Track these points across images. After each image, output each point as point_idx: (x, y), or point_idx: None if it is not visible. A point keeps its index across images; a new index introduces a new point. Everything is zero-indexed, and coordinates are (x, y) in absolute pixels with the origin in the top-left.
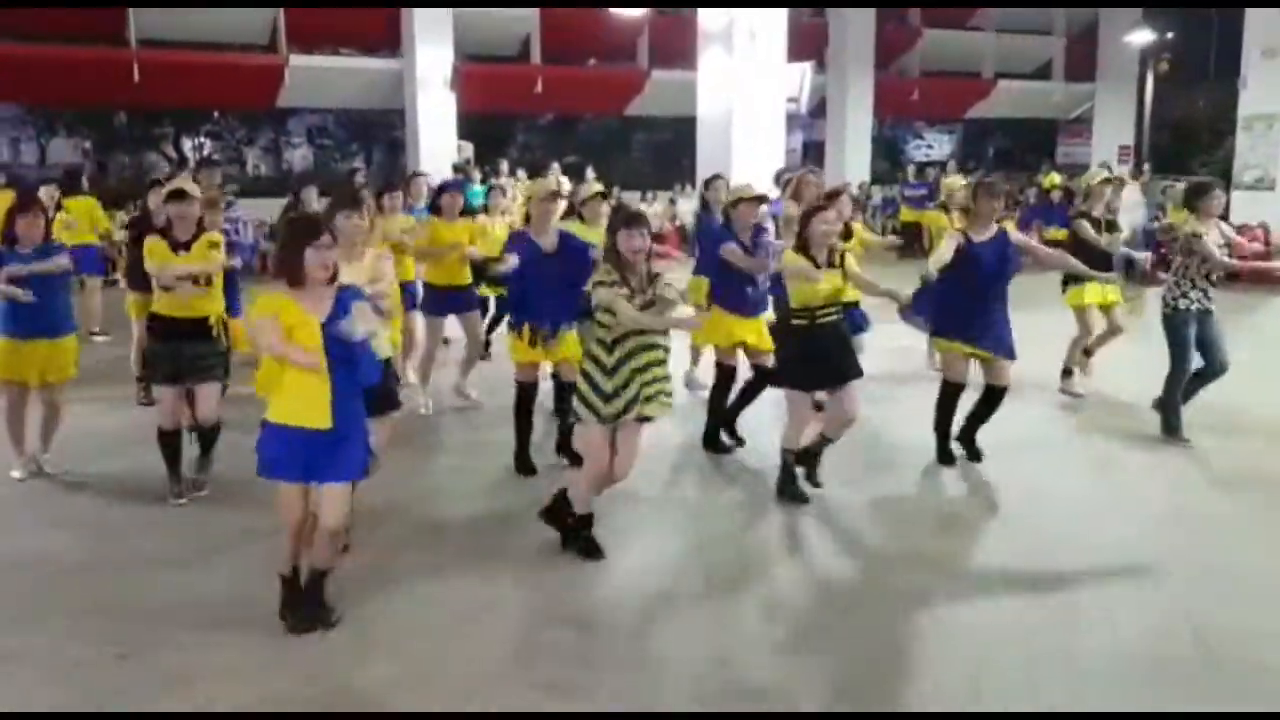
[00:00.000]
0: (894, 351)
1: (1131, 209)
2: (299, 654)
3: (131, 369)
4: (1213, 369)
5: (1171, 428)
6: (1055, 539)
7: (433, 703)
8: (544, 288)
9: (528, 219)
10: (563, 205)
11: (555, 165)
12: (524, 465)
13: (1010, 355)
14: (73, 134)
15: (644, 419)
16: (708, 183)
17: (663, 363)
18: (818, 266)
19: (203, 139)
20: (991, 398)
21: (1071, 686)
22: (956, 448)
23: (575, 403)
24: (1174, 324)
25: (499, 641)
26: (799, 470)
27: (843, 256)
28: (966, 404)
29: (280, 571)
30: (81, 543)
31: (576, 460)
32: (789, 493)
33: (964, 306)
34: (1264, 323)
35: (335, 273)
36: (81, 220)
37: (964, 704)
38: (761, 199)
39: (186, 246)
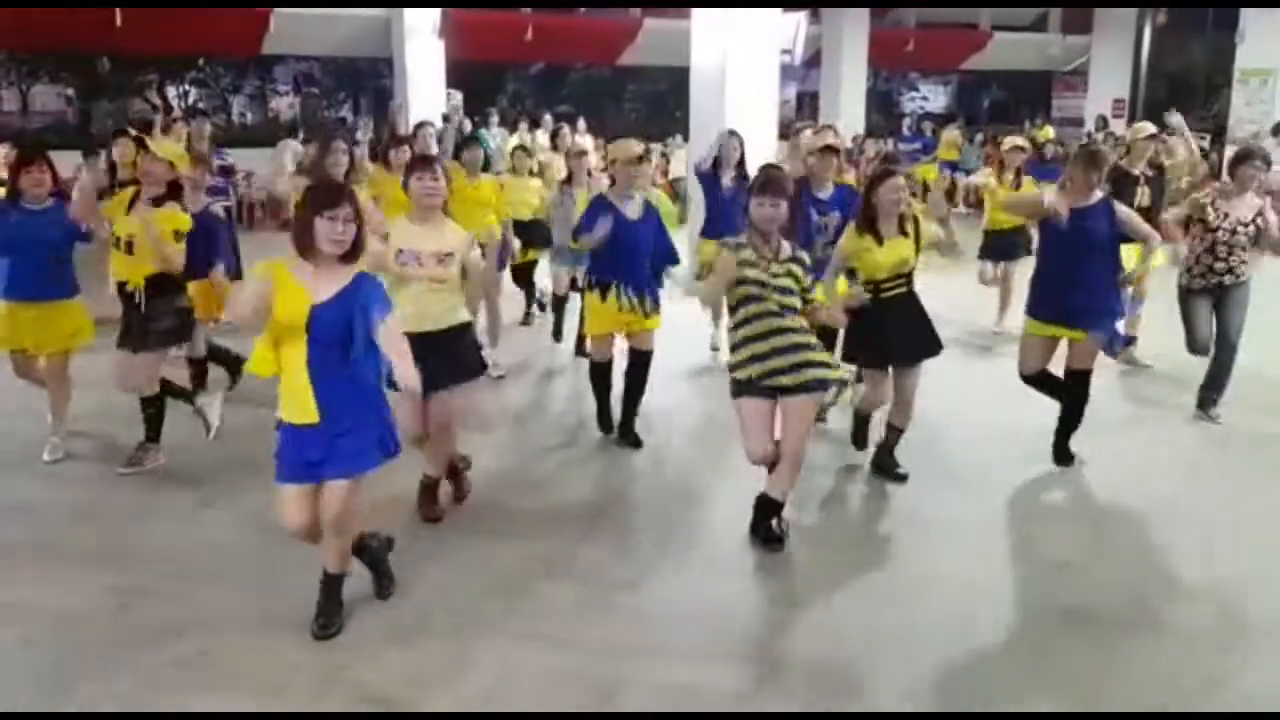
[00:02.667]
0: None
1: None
2: (292, 604)
3: None
4: (1215, 352)
5: (1199, 402)
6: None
7: (418, 651)
8: (628, 256)
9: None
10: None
11: (548, 117)
12: (605, 424)
13: (1103, 333)
14: (55, 81)
15: (791, 391)
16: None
17: (801, 343)
18: (880, 241)
19: (187, 86)
20: (1074, 386)
21: None
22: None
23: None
24: (1180, 299)
25: (489, 595)
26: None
27: (916, 223)
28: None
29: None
30: (77, 493)
31: (636, 442)
32: (885, 469)
33: (1057, 282)
34: None
35: (355, 252)
36: None
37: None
38: (834, 150)
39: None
